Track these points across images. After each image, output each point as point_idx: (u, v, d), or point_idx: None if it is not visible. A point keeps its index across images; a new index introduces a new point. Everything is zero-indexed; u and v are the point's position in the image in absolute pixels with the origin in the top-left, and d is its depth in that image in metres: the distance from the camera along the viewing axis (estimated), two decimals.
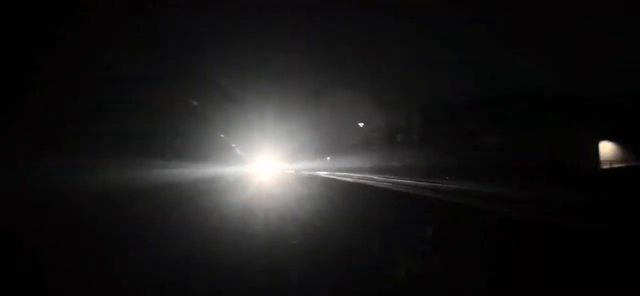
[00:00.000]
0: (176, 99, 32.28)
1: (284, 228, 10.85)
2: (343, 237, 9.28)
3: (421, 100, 59.46)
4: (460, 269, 6.45)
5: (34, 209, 11.91)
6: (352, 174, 57.65)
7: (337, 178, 46.98)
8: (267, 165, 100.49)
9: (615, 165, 35.21)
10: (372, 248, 7.81)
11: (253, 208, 15.96)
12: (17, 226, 10.00)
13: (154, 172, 23.89)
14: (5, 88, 14.08)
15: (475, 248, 7.91)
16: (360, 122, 74.13)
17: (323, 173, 67.18)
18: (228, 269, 6.56)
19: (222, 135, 54.22)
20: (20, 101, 14.54)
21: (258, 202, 18.27)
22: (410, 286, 5.83)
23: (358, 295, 5.43)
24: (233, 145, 72.66)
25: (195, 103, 39.58)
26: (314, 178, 48.12)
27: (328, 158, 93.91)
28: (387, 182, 34.05)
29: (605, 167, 35.72)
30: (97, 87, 19.00)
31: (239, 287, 5.58)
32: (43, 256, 7.32)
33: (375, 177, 45.36)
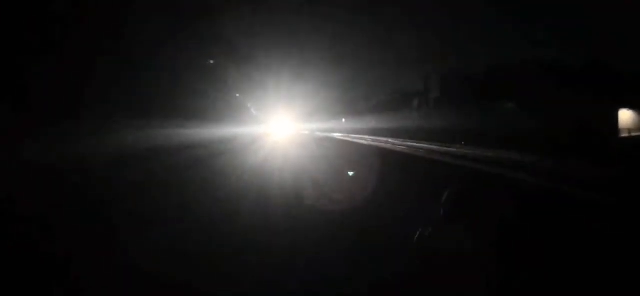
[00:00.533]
0: (191, 60, 32.25)
1: (300, 189, 10.97)
2: (361, 203, 9.34)
3: (438, 67, 59.01)
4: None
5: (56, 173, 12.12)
6: (366, 137, 57.71)
7: (353, 140, 47.03)
8: (283, 126, 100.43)
9: (634, 134, 34.84)
10: (387, 217, 7.84)
11: (269, 169, 16.11)
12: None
13: (170, 133, 24.08)
14: (18, 59, 14.21)
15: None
16: (377, 84, 73.81)
17: (338, 135, 67.27)
18: (243, 231, 6.67)
19: (237, 95, 54.22)
20: (33, 69, 14.68)
21: (274, 163, 18.41)
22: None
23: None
24: (249, 105, 72.62)
25: (211, 62, 39.49)
26: (329, 140, 48.27)
27: (343, 120, 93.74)
28: (402, 146, 34.09)
29: (623, 135, 35.34)
30: (107, 49, 19.05)
31: (248, 251, 5.64)
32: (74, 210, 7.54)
33: (391, 141, 45.34)
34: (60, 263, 5.17)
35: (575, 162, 19.29)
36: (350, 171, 20.67)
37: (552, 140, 27.91)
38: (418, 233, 6.24)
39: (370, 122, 72.13)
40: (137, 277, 4.74)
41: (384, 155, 25.31)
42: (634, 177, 15.29)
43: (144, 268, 4.92)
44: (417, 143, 39.14)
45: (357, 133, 68.93)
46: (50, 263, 5.21)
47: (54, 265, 5.16)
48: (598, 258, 5.62)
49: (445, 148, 29.55)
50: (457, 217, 7.58)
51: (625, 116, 36.97)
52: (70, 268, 5.02)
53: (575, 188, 12.01)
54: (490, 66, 47.00)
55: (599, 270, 5.20)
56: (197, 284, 4.64)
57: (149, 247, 5.72)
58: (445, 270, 5.15)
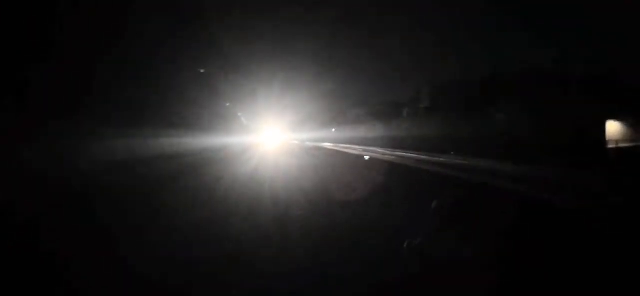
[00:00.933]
0: (182, 68, 32.24)
1: (290, 198, 10.97)
2: (351, 211, 9.38)
3: (429, 76, 59.36)
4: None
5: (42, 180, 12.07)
6: (356, 147, 57.83)
7: (342, 150, 47.11)
8: (273, 135, 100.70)
9: (621, 145, 35.17)
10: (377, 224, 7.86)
11: (260, 178, 16.09)
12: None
13: (160, 142, 24.04)
14: (11, 63, 14.17)
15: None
16: (367, 93, 74.21)
17: (328, 145, 67.34)
18: (235, 238, 6.66)
19: (227, 104, 54.21)
20: (26, 75, 14.64)
21: (264, 172, 18.39)
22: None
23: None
24: (239, 114, 72.61)
25: (201, 71, 39.48)
26: (319, 149, 48.33)
27: (333, 129, 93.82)
28: (391, 156, 34.19)
29: (611, 146, 35.67)
30: (101, 57, 19.01)
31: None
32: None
33: (380, 150, 45.50)
34: (51, 264, 5.17)
35: (562, 170, 19.48)
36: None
37: (540, 149, 28.15)
38: (407, 243, 6.29)
39: (360, 131, 72.24)
40: (126, 282, 4.72)
41: (373, 165, 25.38)
42: (624, 184, 15.51)
43: (134, 273, 4.91)
44: (406, 153, 39.32)
45: (347, 143, 69.09)
46: (45, 263, 5.20)
47: (46, 265, 5.15)
48: (594, 262, 5.67)
49: (435, 159, 29.67)
50: (451, 225, 7.66)
51: (612, 127, 37.31)
52: (61, 268, 5.01)
53: (561, 195, 12.13)
54: (482, 76, 47.33)
55: (596, 273, 5.25)
56: (187, 290, 4.63)
57: (137, 253, 5.70)
58: (438, 274, 5.22)
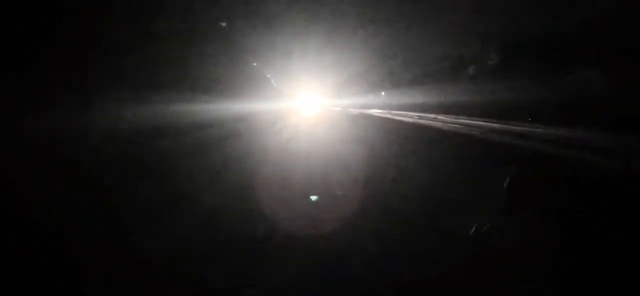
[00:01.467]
0: (199, 20, 32.25)
1: (330, 180, 10.98)
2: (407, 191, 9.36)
3: (496, 29, 58.00)
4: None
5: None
6: (411, 113, 57.40)
7: (395, 118, 46.93)
8: (309, 101, 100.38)
9: None
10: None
11: (293, 154, 16.12)
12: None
13: (175, 109, 24.27)
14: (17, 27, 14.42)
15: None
16: (421, 49, 73.31)
17: (376, 112, 66.98)
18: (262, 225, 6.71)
19: (255, 64, 54.19)
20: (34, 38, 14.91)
21: (298, 149, 18.40)
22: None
23: None
24: (268, 75, 72.65)
25: (223, 24, 39.37)
26: (365, 117, 48.21)
27: (383, 93, 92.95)
28: (454, 124, 33.89)
29: None
30: (110, 14, 19.20)
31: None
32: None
33: (440, 117, 45.09)
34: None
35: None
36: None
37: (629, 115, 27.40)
38: (474, 227, 6.28)
39: (415, 95, 71.43)
40: (141, 271, 4.80)
41: (432, 135, 25.18)
42: None
43: (150, 262, 4.99)
44: (471, 120, 38.86)
45: (400, 109, 68.52)
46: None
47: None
48: None
49: (507, 127, 29.27)
50: (518, 208, 7.58)
51: None
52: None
53: None
54: (556, 32, 46.11)
55: None
56: (208, 278, 4.69)
57: (153, 242, 5.78)
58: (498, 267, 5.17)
